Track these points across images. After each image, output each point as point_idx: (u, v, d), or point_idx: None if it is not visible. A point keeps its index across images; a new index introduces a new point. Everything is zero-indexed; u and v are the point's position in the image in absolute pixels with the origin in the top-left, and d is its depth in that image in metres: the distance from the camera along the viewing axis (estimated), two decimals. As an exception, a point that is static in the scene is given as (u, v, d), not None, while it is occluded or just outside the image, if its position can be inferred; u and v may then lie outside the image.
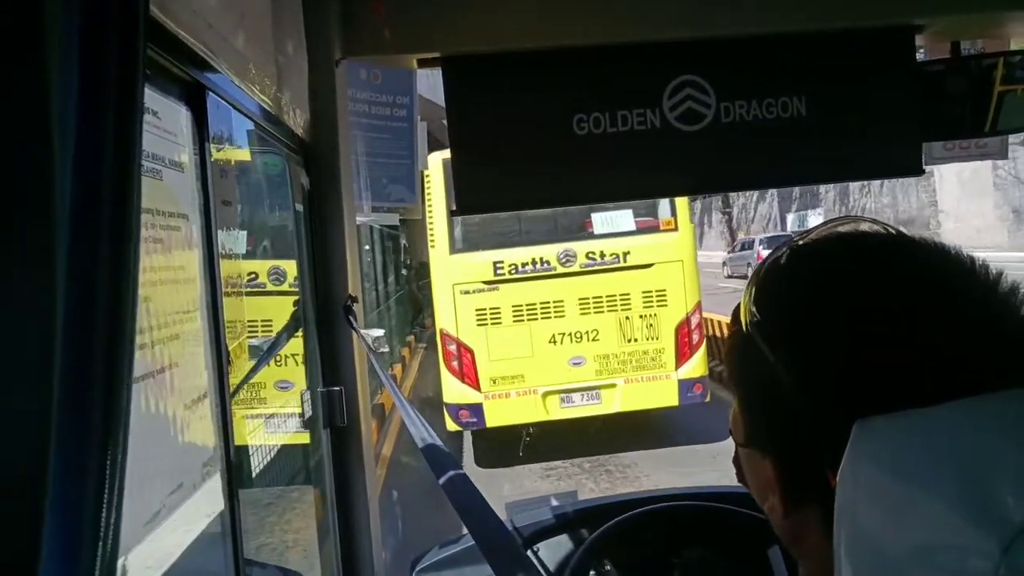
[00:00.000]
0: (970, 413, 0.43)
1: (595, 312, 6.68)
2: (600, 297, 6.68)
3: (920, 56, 1.51)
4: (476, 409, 6.71)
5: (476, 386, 6.67)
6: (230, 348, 1.07)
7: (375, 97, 2.26)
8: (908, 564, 0.39)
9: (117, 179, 0.39)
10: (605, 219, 6.67)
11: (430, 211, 6.65)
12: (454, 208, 1.45)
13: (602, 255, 6.65)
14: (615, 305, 6.70)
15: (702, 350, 6.79)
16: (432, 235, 6.84)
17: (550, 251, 6.64)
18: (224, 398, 1.02)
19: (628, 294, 6.67)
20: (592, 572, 1.38)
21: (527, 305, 6.64)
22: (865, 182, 12.09)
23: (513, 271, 6.61)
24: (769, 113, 1.43)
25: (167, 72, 0.82)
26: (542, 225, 6.65)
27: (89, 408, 0.38)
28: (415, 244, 15.58)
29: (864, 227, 0.57)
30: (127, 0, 0.40)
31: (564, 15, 1.37)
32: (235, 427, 1.06)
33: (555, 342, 6.65)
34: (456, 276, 6.68)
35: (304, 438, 1.10)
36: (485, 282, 6.62)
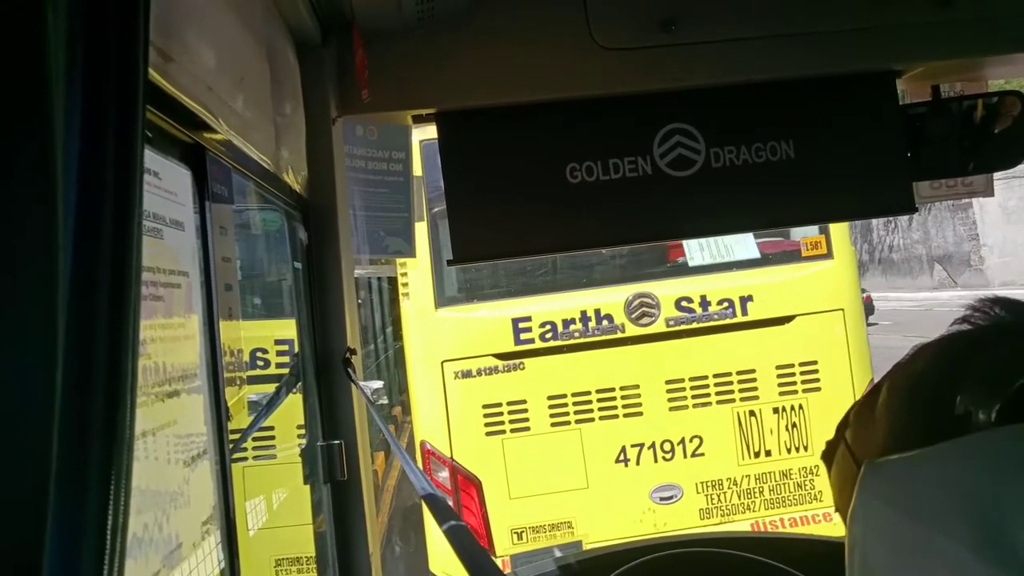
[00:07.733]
0: (979, 450, 0.42)
1: (695, 405, 3.86)
2: (703, 378, 3.85)
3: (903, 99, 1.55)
4: None
5: (486, 544, 3.74)
6: (229, 404, 1.07)
7: (372, 152, 2.30)
8: None
9: (117, 239, 0.40)
10: (706, 242, 3.89)
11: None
12: (449, 258, 1.47)
13: (704, 303, 3.86)
14: (730, 391, 3.86)
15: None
16: (404, 276, 3.94)
17: (613, 298, 3.87)
18: (224, 455, 1.02)
19: (752, 371, 3.87)
20: None
21: (575, 396, 3.83)
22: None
23: (549, 335, 3.83)
24: (758, 157, 1.46)
25: (168, 134, 0.84)
26: (595, 255, 3.96)
27: (87, 479, 0.38)
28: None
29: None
30: (128, 66, 0.42)
31: (554, 70, 1.42)
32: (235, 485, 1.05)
33: (626, 461, 3.85)
34: (447, 347, 3.85)
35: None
36: (500, 355, 3.84)
